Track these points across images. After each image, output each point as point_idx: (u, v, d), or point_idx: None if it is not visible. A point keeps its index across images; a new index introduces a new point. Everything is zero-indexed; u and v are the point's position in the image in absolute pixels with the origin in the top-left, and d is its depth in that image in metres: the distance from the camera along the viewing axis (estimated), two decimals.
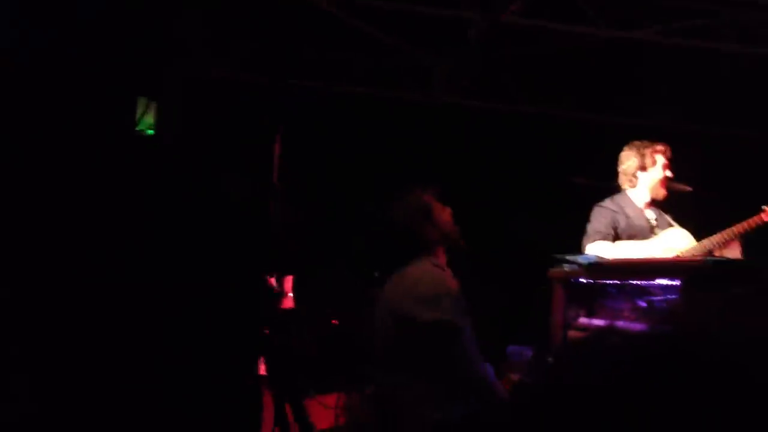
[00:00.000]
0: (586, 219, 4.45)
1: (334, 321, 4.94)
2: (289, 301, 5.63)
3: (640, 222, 4.35)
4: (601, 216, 4.35)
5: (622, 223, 4.30)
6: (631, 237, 4.29)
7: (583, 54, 6.40)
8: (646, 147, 4.38)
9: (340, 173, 6.04)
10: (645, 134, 4.67)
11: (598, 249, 4.16)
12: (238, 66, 6.23)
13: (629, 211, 4.36)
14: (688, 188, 4.48)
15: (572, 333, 3.87)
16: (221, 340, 2.14)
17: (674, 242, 4.26)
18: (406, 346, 3.15)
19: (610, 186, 4.55)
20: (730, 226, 4.21)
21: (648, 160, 4.36)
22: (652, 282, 3.40)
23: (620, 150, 4.54)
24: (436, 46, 6.56)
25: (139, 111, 3.05)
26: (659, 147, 4.38)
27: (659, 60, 6.49)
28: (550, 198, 6.19)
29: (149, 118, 3.45)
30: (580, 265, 3.80)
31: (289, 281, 5.67)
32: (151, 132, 4.23)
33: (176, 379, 2.13)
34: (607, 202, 4.41)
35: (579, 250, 4.25)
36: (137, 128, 3.23)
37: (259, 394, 2.47)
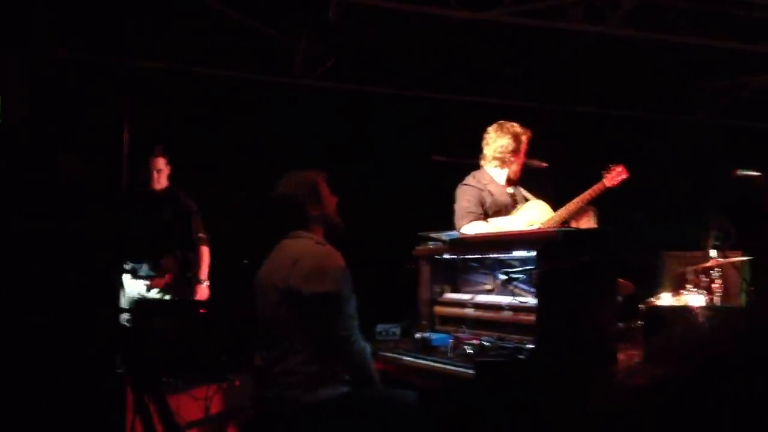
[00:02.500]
0: (448, 196, 4.55)
1: (202, 310, 4.82)
2: (204, 291, 5.48)
3: (504, 198, 4.50)
4: (468, 195, 4.46)
5: (487, 201, 4.44)
6: (496, 213, 4.44)
7: (438, 35, 6.50)
8: (521, 133, 4.53)
9: (198, 156, 5.89)
10: (500, 113, 4.83)
11: (473, 229, 4.27)
12: (87, 46, 5.93)
13: (492, 189, 4.49)
14: (544, 164, 4.68)
15: (438, 308, 3.96)
16: (66, 331, 2.04)
17: (535, 215, 4.44)
18: (288, 319, 3.15)
19: (471, 163, 4.67)
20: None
21: (521, 145, 4.53)
22: (510, 254, 3.52)
23: (477, 128, 4.66)
24: (296, 28, 6.50)
25: None
26: (528, 133, 4.56)
27: (511, 40, 6.69)
28: (414, 177, 6.28)
29: None
30: (443, 242, 3.89)
31: (204, 269, 5.50)
32: None
33: (28, 376, 2.02)
34: (470, 180, 4.52)
35: (443, 227, 4.34)
36: None
37: (122, 388, 2.39)
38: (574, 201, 4.46)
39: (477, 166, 4.63)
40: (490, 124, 4.61)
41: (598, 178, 4.55)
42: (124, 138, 2.46)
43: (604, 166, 4.56)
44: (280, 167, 3.50)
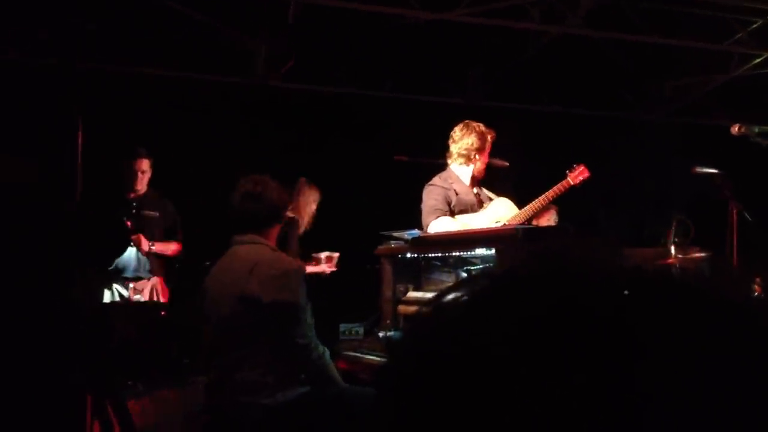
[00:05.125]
0: (411, 196, 4.57)
1: (162, 312, 4.77)
2: (145, 244, 5.34)
3: (469, 197, 4.56)
4: (434, 194, 4.51)
5: (453, 200, 4.49)
6: (462, 212, 4.49)
7: (400, 35, 6.52)
8: (486, 132, 4.59)
9: (163, 160, 5.82)
10: (462, 113, 4.87)
11: (441, 225, 4.31)
12: (40, 49, 5.84)
13: (457, 188, 4.55)
14: (506, 164, 4.74)
15: (402, 307, 3.96)
16: (22, 336, 2.01)
17: (501, 212, 4.49)
18: (245, 327, 3.12)
19: (434, 163, 4.70)
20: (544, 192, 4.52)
21: (486, 144, 4.58)
22: (472, 252, 3.53)
23: (439, 128, 4.70)
24: (257, 29, 6.46)
25: None
26: (492, 133, 4.61)
27: (472, 40, 6.73)
28: (376, 177, 6.28)
29: None
30: (405, 241, 3.89)
31: (162, 247, 5.38)
32: None
33: None
34: (437, 180, 4.58)
35: (406, 226, 4.35)
36: None
37: (81, 392, 2.35)
38: (540, 199, 4.51)
39: (438, 166, 4.68)
40: (451, 124, 4.65)
41: (558, 177, 4.60)
42: (77, 142, 2.42)
43: (568, 165, 4.61)
44: (241, 169, 3.48)
